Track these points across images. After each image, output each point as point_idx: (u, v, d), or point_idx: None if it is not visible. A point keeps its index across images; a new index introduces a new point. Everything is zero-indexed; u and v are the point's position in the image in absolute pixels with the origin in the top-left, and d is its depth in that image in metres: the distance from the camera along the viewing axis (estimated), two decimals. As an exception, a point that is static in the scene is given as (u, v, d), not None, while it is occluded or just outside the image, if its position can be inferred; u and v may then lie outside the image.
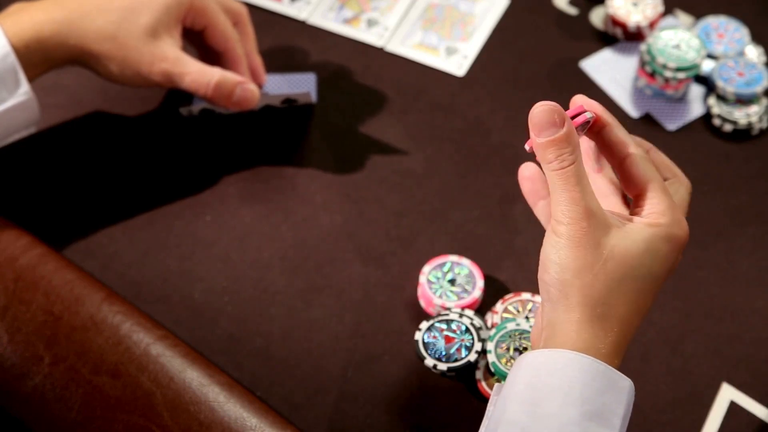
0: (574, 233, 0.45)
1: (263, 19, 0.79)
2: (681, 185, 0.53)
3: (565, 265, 0.45)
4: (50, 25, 0.61)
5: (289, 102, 0.69)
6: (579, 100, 0.49)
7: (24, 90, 0.61)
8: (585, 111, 0.48)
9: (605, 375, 0.45)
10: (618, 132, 0.49)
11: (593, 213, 0.45)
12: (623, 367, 0.61)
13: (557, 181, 0.45)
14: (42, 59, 0.62)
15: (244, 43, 0.70)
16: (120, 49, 0.62)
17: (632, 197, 0.50)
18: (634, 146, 0.49)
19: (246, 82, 0.66)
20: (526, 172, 0.55)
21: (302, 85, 0.74)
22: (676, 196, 0.51)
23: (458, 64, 0.77)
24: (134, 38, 0.62)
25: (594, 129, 0.49)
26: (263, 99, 0.68)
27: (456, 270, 0.63)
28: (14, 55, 0.60)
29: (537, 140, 0.45)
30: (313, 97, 0.74)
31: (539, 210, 0.54)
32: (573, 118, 0.47)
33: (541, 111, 0.45)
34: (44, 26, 0.61)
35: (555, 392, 0.44)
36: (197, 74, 0.64)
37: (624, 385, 0.45)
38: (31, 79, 0.62)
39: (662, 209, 0.48)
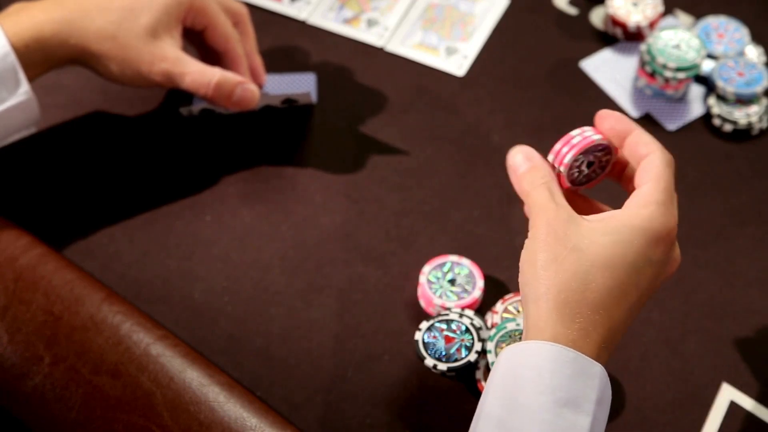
0: (541, 230, 0.48)
1: (263, 19, 0.79)
2: (656, 157, 0.52)
3: (533, 261, 0.48)
4: (50, 25, 0.61)
5: (289, 102, 0.69)
6: (606, 117, 0.53)
7: (24, 90, 0.61)
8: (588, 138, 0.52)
9: (575, 362, 0.45)
10: (642, 135, 0.52)
11: (560, 211, 0.49)
12: (623, 367, 0.61)
13: (532, 197, 0.50)
14: (42, 59, 0.62)
15: (244, 43, 0.70)
16: (120, 49, 0.62)
17: (630, 192, 0.51)
18: (660, 148, 0.51)
19: (246, 82, 0.66)
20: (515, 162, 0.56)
21: (302, 85, 0.74)
22: (651, 165, 0.51)
23: (458, 64, 0.77)
24: (134, 38, 0.62)
25: (620, 142, 0.52)
26: (263, 99, 0.68)
27: (456, 270, 0.63)
28: (14, 55, 0.60)
29: (514, 179, 0.52)
30: (313, 97, 0.74)
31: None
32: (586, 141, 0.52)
33: (512, 154, 0.53)
34: (44, 26, 0.61)
35: (527, 382, 0.45)
36: (197, 74, 0.64)
37: (595, 371, 0.46)
38: (31, 79, 0.62)
39: (647, 201, 0.49)
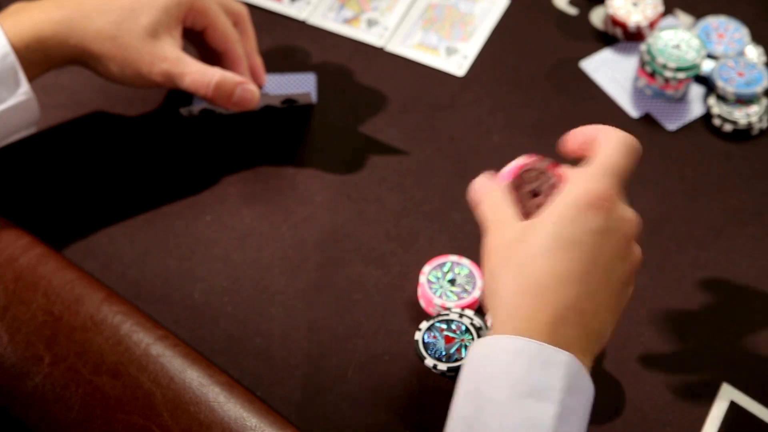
0: (487, 243, 0.51)
1: (263, 19, 0.79)
2: (603, 136, 0.52)
3: (484, 262, 0.51)
4: (50, 25, 0.61)
5: (289, 102, 0.69)
6: (569, 139, 0.55)
7: (24, 90, 0.61)
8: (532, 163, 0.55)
9: (536, 351, 0.45)
10: (602, 131, 0.53)
11: (507, 217, 0.51)
12: (623, 367, 0.61)
13: (481, 210, 0.53)
14: (42, 59, 0.62)
15: (244, 44, 0.70)
16: (120, 49, 0.62)
17: None
18: (611, 130, 0.52)
19: (246, 83, 0.66)
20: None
21: (302, 85, 0.74)
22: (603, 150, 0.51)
23: (458, 64, 0.77)
24: (134, 38, 0.62)
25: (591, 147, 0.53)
26: (263, 99, 0.68)
27: (456, 270, 0.63)
28: (14, 55, 0.60)
29: (476, 208, 0.55)
30: (313, 97, 0.74)
31: None
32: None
33: (472, 188, 0.55)
34: (44, 26, 0.61)
35: (489, 377, 0.46)
36: (197, 74, 0.64)
37: (560, 359, 0.46)
38: (31, 79, 0.62)
39: (569, 178, 0.50)
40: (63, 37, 0.61)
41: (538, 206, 0.53)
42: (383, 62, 0.77)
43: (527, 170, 0.54)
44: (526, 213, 0.53)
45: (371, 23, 0.79)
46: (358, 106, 0.74)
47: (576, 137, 0.54)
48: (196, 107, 0.68)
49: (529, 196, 0.54)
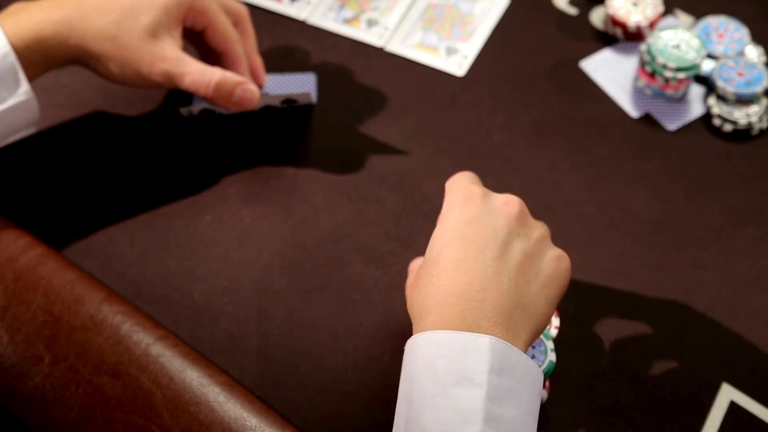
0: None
1: (263, 19, 0.79)
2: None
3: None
4: (50, 25, 0.61)
5: (289, 102, 0.69)
6: None
7: (24, 90, 0.61)
8: None
9: (457, 340, 0.46)
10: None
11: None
12: (623, 367, 0.61)
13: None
14: (42, 59, 0.62)
15: (244, 44, 0.70)
16: (120, 49, 0.62)
17: None
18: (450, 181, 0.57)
19: (246, 83, 0.66)
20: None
21: (302, 85, 0.74)
22: None
23: (458, 64, 0.77)
24: (134, 38, 0.62)
25: None
26: (263, 99, 0.68)
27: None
28: (14, 55, 0.60)
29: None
30: (313, 97, 0.74)
31: None
32: None
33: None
34: (44, 26, 0.61)
35: (419, 375, 0.47)
36: (197, 74, 0.64)
37: (482, 343, 0.46)
38: (31, 79, 0.62)
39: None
40: (63, 37, 0.61)
41: None
42: (383, 62, 0.77)
43: None
44: None
45: (371, 23, 0.79)
46: (358, 106, 0.74)
47: None
48: (196, 107, 0.68)
49: None
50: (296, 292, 0.64)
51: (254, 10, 0.79)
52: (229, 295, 0.64)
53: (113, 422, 0.57)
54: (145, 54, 0.63)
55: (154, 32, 0.63)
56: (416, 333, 0.49)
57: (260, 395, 0.59)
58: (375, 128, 0.73)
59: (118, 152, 0.71)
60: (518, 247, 0.50)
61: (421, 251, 0.66)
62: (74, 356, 0.59)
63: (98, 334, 0.59)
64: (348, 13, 0.80)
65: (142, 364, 0.58)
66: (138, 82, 0.64)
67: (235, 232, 0.67)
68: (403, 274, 0.65)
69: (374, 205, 0.69)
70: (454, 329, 0.47)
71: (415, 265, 0.60)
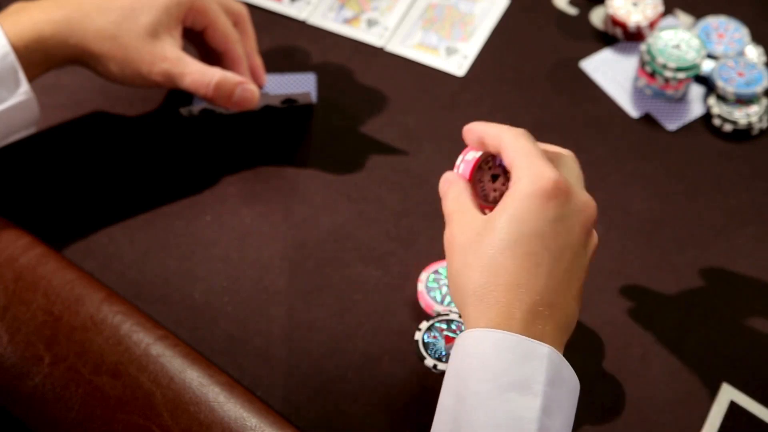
0: (450, 242, 0.51)
1: (263, 19, 0.79)
2: (567, 158, 0.53)
3: (450, 262, 0.50)
4: (50, 25, 0.61)
5: (289, 102, 0.69)
6: (466, 132, 0.55)
7: (24, 89, 0.61)
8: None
9: (518, 345, 0.45)
10: (488, 128, 0.53)
11: (464, 216, 0.51)
12: (624, 367, 0.61)
13: (444, 208, 0.53)
14: (42, 59, 0.62)
15: (244, 44, 0.70)
16: (120, 49, 0.62)
17: None
18: (505, 130, 0.53)
19: (246, 83, 0.66)
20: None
21: (302, 85, 0.74)
22: (565, 169, 0.52)
23: (458, 64, 0.77)
24: (134, 38, 0.62)
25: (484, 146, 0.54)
26: (263, 99, 0.68)
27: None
28: (14, 55, 0.60)
29: (442, 195, 0.55)
30: (313, 97, 0.74)
31: None
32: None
33: (442, 182, 0.55)
34: (44, 26, 0.61)
35: (473, 371, 0.46)
36: (197, 74, 0.64)
37: (542, 352, 0.46)
38: (31, 78, 0.62)
39: (515, 176, 0.50)
40: (63, 37, 0.61)
41: (501, 191, 0.54)
42: (383, 62, 0.77)
43: (485, 160, 0.55)
44: (491, 198, 0.55)
45: (371, 23, 0.79)
46: (358, 106, 0.74)
47: (468, 135, 0.55)
48: (196, 107, 0.68)
49: (490, 182, 0.55)
50: (296, 292, 0.64)
51: (254, 10, 0.79)
52: (229, 295, 0.64)
53: (113, 422, 0.57)
54: (145, 54, 0.63)
55: (154, 32, 0.63)
56: (471, 323, 0.47)
57: (260, 395, 0.59)
58: (375, 128, 0.73)
59: (118, 152, 0.71)
60: (583, 261, 0.49)
61: (421, 251, 0.66)
62: (74, 356, 0.59)
63: (98, 334, 0.59)
64: (348, 13, 0.80)
65: (142, 364, 0.58)
66: (138, 82, 0.64)
67: (235, 232, 0.67)
68: (403, 274, 0.65)
69: (374, 205, 0.69)
70: (516, 332, 0.46)
71: (454, 190, 0.54)
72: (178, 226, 0.67)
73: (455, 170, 0.55)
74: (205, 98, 0.65)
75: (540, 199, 0.48)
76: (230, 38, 0.67)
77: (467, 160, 0.55)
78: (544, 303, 0.47)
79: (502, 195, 0.54)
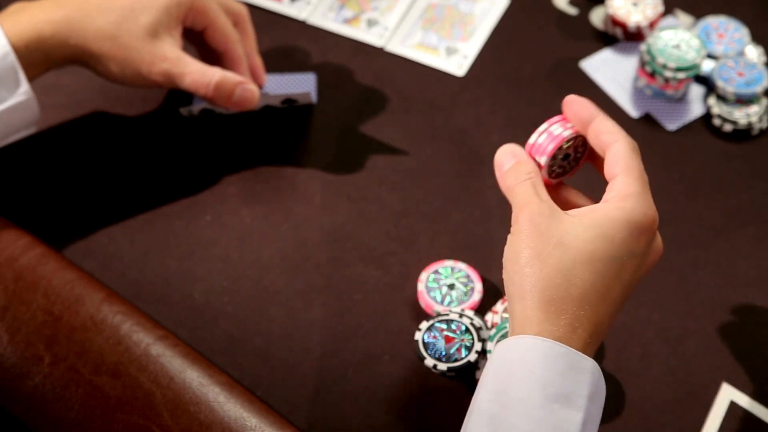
0: (524, 226, 0.48)
1: (263, 19, 0.79)
2: (622, 146, 0.51)
3: (516, 258, 0.48)
4: (50, 25, 0.61)
5: (289, 102, 0.69)
6: (570, 103, 0.53)
7: (24, 89, 0.61)
8: (564, 128, 0.52)
9: (566, 357, 0.45)
10: (605, 123, 0.51)
11: (544, 206, 0.49)
12: (624, 367, 0.61)
13: (515, 191, 0.50)
14: (42, 59, 0.62)
15: (244, 44, 0.70)
16: (120, 49, 0.62)
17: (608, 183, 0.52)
18: (623, 135, 0.51)
19: (246, 82, 0.66)
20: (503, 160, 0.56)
21: (302, 85, 0.74)
22: (619, 155, 0.51)
23: (458, 64, 0.77)
24: (134, 38, 0.62)
25: (584, 128, 0.52)
26: (263, 99, 0.68)
27: (455, 275, 0.63)
28: (14, 55, 0.60)
29: (499, 175, 0.52)
30: (313, 97, 0.74)
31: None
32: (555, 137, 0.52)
33: (499, 153, 0.53)
34: (44, 26, 0.61)
35: (518, 378, 0.45)
36: (197, 74, 0.64)
37: (587, 366, 0.46)
38: (31, 78, 0.62)
39: (627, 193, 0.49)
40: (63, 37, 0.61)
41: (564, 170, 0.53)
42: (383, 62, 0.77)
43: (569, 139, 0.52)
44: (552, 175, 0.53)
45: (371, 23, 0.79)
46: (358, 106, 0.74)
47: (571, 106, 0.53)
48: (196, 107, 0.68)
49: (561, 159, 0.53)
50: (296, 292, 0.64)
51: (254, 10, 0.79)
52: (229, 295, 0.64)
53: (113, 422, 0.57)
54: (145, 54, 0.63)
55: (154, 32, 0.63)
56: (522, 328, 0.46)
57: (260, 395, 0.59)
58: (375, 128, 0.73)
59: (118, 152, 0.71)
60: (633, 281, 0.49)
61: (421, 251, 0.66)
62: (74, 356, 0.59)
63: (98, 334, 0.59)
64: (348, 13, 0.80)
65: (142, 364, 0.58)
66: (138, 82, 0.64)
67: (235, 232, 0.67)
68: (403, 274, 0.65)
69: (374, 205, 0.69)
70: (572, 347, 0.45)
71: (525, 170, 0.51)
72: (178, 226, 0.67)
73: (535, 136, 0.53)
74: (205, 98, 0.65)
75: (637, 231, 0.48)
76: (230, 38, 0.67)
77: (554, 134, 0.52)
78: (602, 325, 0.47)
79: (564, 171, 0.53)
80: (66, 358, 0.59)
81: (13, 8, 0.63)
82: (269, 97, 0.69)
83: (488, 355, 0.58)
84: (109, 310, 0.61)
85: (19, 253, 0.63)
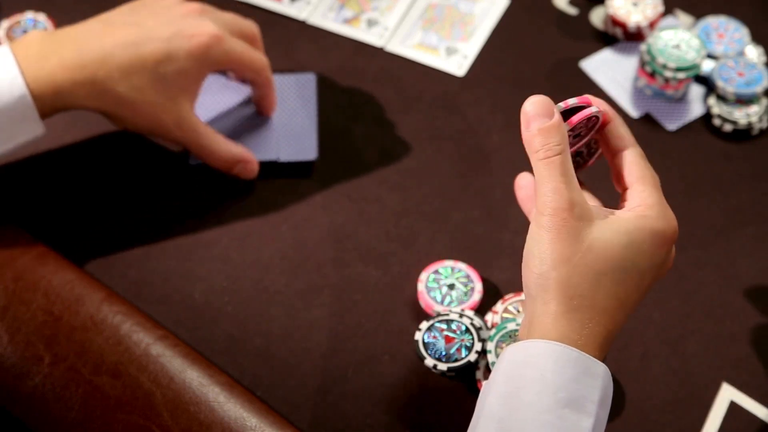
0: (554, 224, 0.46)
1: (263, 19, 0.79)
2: (634, 154, 0.51)
3: (545, 258, 0.46)
4: (70, 85, 0.60)
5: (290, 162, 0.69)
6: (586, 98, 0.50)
7: (38, 127, 0.61)
8: (590, 104, 0.49)
9: (579, 362, 0.45)
10: (620, 127, 0.51)
11: (575, 203, 0.46)
12: (624, 367, 0.61)
13: (543, 171, 0.46)
14: (57, 108, 0.61)
15: None
16: (140, 117, 0.63)
17: (621, 191, 0.51)
18: (633, 143, 0.50)
19: (249, 162, 0.67)
20: (522, 181, 0.57)
21: (302, 85, 0.74)
22: (634, 164, 0.50)
23: (458, 64, 0.77)
24: (155, 107, 0.62)
25: (598, 124, 0.51)
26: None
27: (455, 275, 0.63)
28: (30, 97, 0.59)
29: (526, 132, 0.48)
30: (314, 153, 0.70)
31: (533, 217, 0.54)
32: (578, 110, 0.49)
33: (531, 102, 0.48)
34: (65, 84, 0.60)
35: (529, 382, 0.45)
36: (211, 156, 0.66)
37: (598, 371, 0.45)
38: (43, 117, 0.61)
39: (650, 203, 0.48)
40: (81, 96, 0.60)
41: (576, 149, 0.52)
42: (383, 62, 0.77)
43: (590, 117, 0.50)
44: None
45: (371, 23, 0.79)
46: (358, 106, 0.74)
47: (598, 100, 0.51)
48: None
49: (573, 137, 0.51)
50: (296, 292, 0.64)
51: (254, 10, 0.79)
52: (229, 295, 0.64)
53: (113, 422, 0.57)
54: (166, 121, 0.63)
55: (175, 98, 0.63)
56: (539, 334, 0.46)
57: (260, 395, 0.59)
58: (375, 128, 0.73)
59: (118, 152, 0.71)
60: (648, 289, 0.50)
61: (421, 251, 0.66)
62: (74, 356, 0.59)
63: (98, 334, 0.59)
64: (348, 13, 0.80)
65: (142, 364, 0.58)
66: (155, 137, 0.67)
67: (235, 232, 0.67)
68: (403, 274, 0.65)
69: (374, 205, 0.69)
70: (581, 350, 0.45)
71: (555, 138, 0.47)
72: (179, 226, 0.67)
73: (562, 105, 0.49)
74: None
75: (661, 241, 0.47)
76: (259, 68, 0.67)
77: (582, 110, 0.49)
78: (614, 332, 0.47)
79: (575, 151, 0.52)
80: (66, 358, 0.59)
81: (33, 51, 0.60)
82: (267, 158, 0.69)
83: (495, 357, 0.58)
84: (109, 310, 0.61)
85: (19, 253, 0.63)
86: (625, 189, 0.50)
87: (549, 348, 0.45)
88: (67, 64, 0.60)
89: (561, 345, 0.45)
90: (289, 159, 0.69)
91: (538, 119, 0.48)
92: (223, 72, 0.72)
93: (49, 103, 0.60)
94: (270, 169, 0.70)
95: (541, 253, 0.46)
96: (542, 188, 0.46)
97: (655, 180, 0.49)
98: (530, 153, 0.48)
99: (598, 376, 0.45)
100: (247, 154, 0.67)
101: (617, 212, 0.48)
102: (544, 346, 0.45)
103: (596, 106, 0.49)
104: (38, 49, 0.60)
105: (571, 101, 0.49)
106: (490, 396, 0.46)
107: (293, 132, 0.71)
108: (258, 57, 0.66)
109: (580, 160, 0.54)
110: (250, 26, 0.68)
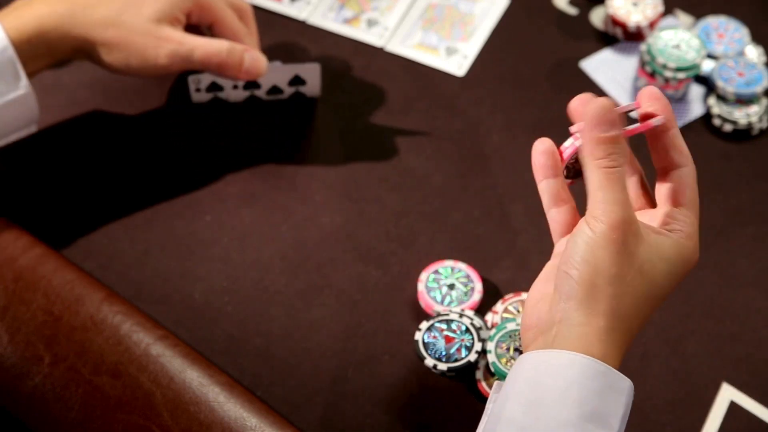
0: (611, 236, 0.45)
1: (263, 19, 0.79)
2: (690, 174, 0.50)
3: (600, 269, 0.45)
4: (52, 18, 0.61)
5: (296, 82, 0.69)
6: (648, 94, 0.49)
7: (23, 84, 0.61)
8: (652, 115, 0.48)
9: (605, 376, 0.44)
10: (679, 139, 0.49)
11: (633, 220, 0.45)
12: (623, 367, 0.61)
13: (603, 179, 0.45)
14: (45, 52, 0.62)
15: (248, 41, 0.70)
16: (123, 36, 0.62)
17: (661, 204, 0.50)
18: (690, 159, 0.49)
19: (252, 50, 0.66)
20: (541, 146, 0.52)
21: (306, 75, 0.73)
22: (688, 186, 0.49)
23: (458, 64, 0.77)
24: (138, 24, 0.63)
25: (656, 130, 0.49)
26: (272, 73, 0.69)
27: (455, 275, 0.63)
28: (12, 49, 0.60)
29: (591, 134, 0.46)
30: (318, 86, 0.73)
31: (543, 187, 0.51)
32: (628, 112, 0.47)
33: (602, 106, 0.45)
34: (46, 19, 0.61)
35: (554, 392, 0.44)
36: (207, 45, 0.64)
37: (624, 386, 0.45)
38: (34, 72, 0.62)
39: (690, 232, 0.48)
40: (66, 29, 0.62)
41: (578, 174, 0.50)
42: (383, 62, 0.77)
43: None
44: (566, 162, 0.50)
45: (371, 23, 0.79)
46: (358, 107, 0.74)
47: (653, 103, 0.49)
48: (205, 95, 0.69)
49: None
50: (296, 292, 0.64)
51: (254, 10, 0.79)
52: (229, 295, 0.64)
53: (113, 422, 0.57)
54: (149, 38, 0.63)
55: (158, 20, 0.63)
56: (572, 345, 0.45)
57: (260, 395, 0.59)
58: (375, 128, 0.73)
59: (118, 151, 0.71)
60: None
61: (421, 251, 0.66)
62: (74, 356, 0.59)
63: (98, 334, 0.59)
64: (348, 13, 0.80)
65: (142, 364, 0.58)
66: (145, 71, 0.64)
67: (235, 232, 0.67)
68: (403, 274, 0.65)
69: (374, 205, 0.69)
70: (602, 360, 0.44)
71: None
72: (178, 226, 0.67)
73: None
74: (217, 69, 0.65)
75: (687, 270, 0.48)
76: (239, 32, 0.67)
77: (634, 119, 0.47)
78: (633, 337, 0.47)
79: (575, 175, 0.51)
80: (66, 358, 0.59)
81: (17, 4, 0.63)
82: (277, 69, 0.69)
83: (495, 357, 0.58)
84: (109, 310, 0.61)
85: (19, 253, 0.63)
86: (668, 205, 0.49)
87: (577, 360, 0.44)
88: (48, 0, 0.62)
89: (589, 358, 0.44)
90: (295, 72, 0.70)
91: (606, 125, 0.45)
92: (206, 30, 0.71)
93: (35, 48, 0.61)
94: (271, 127, 0.70)
95: (595, 261, 0.45)
96: (600, 195, 0.45)
97: (697, 207, 0.49)
98: (590, 156, 0.46)
99: (623, 392, 0.45)
100: (248, 47, 0.67)
101: (658, 232, 0.47)
102: (573, 358, 0.44)
103: (662, 108, 0.48)
104: (19, 3, 0.63)
105: (626, 106, 0.47)
106: (511, 400, 0.45)
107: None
108: (235, 20, 0.67)
109: (570, 171, 0.53)
110: (244, 3, 0.70)
